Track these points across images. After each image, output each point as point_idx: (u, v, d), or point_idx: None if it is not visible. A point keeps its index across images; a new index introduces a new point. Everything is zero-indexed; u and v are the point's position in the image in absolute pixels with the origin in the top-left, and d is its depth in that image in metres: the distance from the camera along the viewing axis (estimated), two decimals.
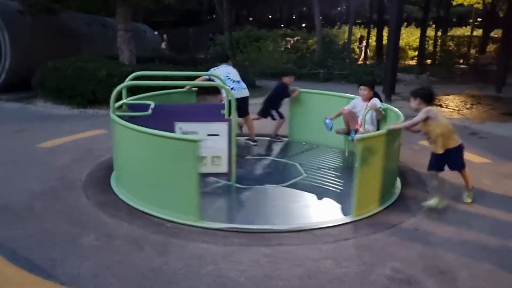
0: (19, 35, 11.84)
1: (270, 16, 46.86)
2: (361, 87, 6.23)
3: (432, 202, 4.75)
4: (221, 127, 5.20)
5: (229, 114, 6.57)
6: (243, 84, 6.93)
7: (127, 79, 5.73)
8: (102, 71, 10.18)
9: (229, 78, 6.75)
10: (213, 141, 5.18)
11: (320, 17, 20.40)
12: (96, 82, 10.12)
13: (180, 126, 5.25)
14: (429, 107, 4.72)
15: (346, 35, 21.61)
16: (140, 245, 3.86)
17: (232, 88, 6.59)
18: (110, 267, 3.51)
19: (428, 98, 4.78)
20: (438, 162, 4.85)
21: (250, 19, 42.64)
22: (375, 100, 6.08)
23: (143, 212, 4.50)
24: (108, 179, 5.44)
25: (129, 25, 12.15)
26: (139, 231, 4.13)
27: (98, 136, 7.58)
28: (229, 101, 5.39)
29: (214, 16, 35.46)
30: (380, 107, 5.95)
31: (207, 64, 13.16)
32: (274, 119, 7.55)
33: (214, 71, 6.85)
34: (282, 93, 7.40)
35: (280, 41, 21.57)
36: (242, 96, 6.75)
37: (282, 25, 34.77)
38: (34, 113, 9.81)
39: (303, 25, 35.89)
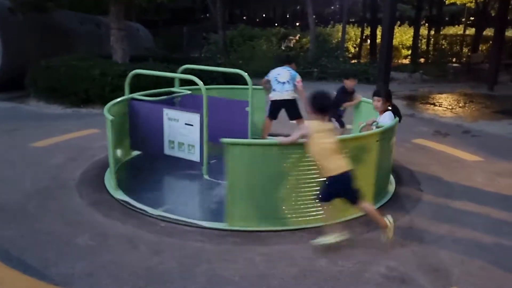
0: (11, 34, 11.73)
1: (263, 15, 46.85)
2: (375, 97, 5.17)
3: (327, 238, 3.87)
4: (193, 118, 5.36)
5: (274, 116, 6.85)
6: (287, 86, 6.49)
7: (179, 70, 6.59)
8: (95, 70, 10.12)
9: (276, 79, 6.59)
10: (189, 130, 5.43)
11: (314, 16, 20.40)
12: (90, 81, 10.06)
13: (166, 112, 5.56)
14: (307, 124, 3.78)
15: (340, 34, 21.64)
16: (134, 245, 3.85)
17: (273, 89, 6.53)
18: (105, 266, 3.50)
19: (320, 109, 3.77)
20: (323, 189, 3.89)
21: (244, 18, 42.59)
22: (386, 115, 5.06)
23: (137, 211, 4.50)
24: (102, 179, 5.42)
25: (122, 23, 12.08)
26: (134, 230, 4.12)
27: (92, 135, 7.54)
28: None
29: (207, 15, 35.39)
30: (376, 122, 5.02)
31: (201, 63, 13.14)
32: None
33: (271, 71, 6.74)
34: (339, 97, 6.54)
35: (276, 40, 21.44)
36: (282, 98, 6.53)
37: (276, 24, 34.77)
38: (27, 112, 9.74)
39: (297, 24, 35.91)
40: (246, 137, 6.35)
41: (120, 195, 4.87)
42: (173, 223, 4.26)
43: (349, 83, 6.58)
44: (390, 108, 5.15)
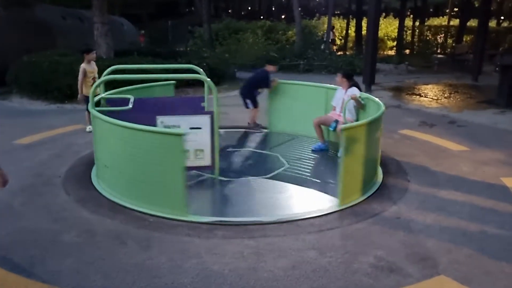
0: None
1: (249, 8, 46.63)
2: (337, 73, 6.47)
3: None
4: (203, 120, 5.14)
5: None
6: None
7: (104, 73, 5.70)
8: (79, 65, 9.98)
9: None
10: (195, 135, 5.12)
11: (299, 8, 20.37)
12: (73, 76, 9.87)
13: (161, 120, 5.17)
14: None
15: (326, 26, 21.62)
16: (122, 240, 3.82)
17: None
18: (93, 263, 3.46)
19: None
20: None
21: (229, 11, 42.35)
22: (353, 90, 6.08)
23: (124, 207, 4.46)
24: (88, 175, 5.36)
25: (105, 17, 11.94)
26: (122, 226, 4.09)
27: (77, 131, 7.46)
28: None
29: (192, 8, 35.12)
30: (359, 97, 5.93)
31: (187, 57, 13.05)
32: (247, 107, 7.44)
33: None
34: (262, 81, 7.25)
35: (262, 33, 21.29)
36: None
37: (261, 17, 34.65)
38: (10, 109, 9.59)
39: (282, 16, 35.83)
40: None
41: (203, 218, 4.25)
42: (161, 218, 4.24)
43: (271, 68, 7.27)
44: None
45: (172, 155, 4.20)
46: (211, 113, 5.15)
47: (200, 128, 5.15)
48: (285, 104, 7.29)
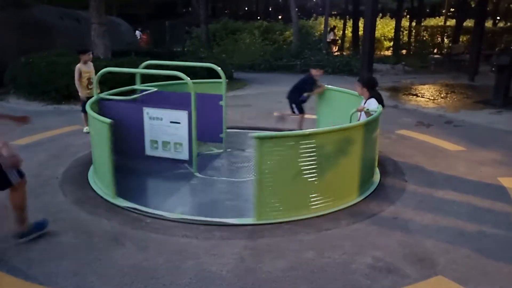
0: None
1: (246, 8, 46.63)
2: (356, 83, 5.87)
3: None
4: (181, 115, 5.25)
5: None
6: None
7: (140, 66, 6.16)
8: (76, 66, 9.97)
9: None
10: (175, 128, 5.31)
11: (296, 9, 20.38)
12: (71, 76, 9.86)
13: (147, 111, 5.39)
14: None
15: (322, 26, 21.64)
16: (120, 242, 3.81)
17: None
18: (90, 264, 3.45)
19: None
20: None
21: (226, 11, 42.33)
22: (371, 102, 5.46)
23: (122, 208, 4.46)
24: (85, 176, 5.35)
25: (103, 18, 11.92)
26: (119, 227, 4.08)
27: (74, 132, 7.44)
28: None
29: (190, 9, 35.11)
30: (367, 109, 5.34)
31: (184, 57, 13.04)
32: (293, 112, 7.22)
33: None
34: (306, 84, 7.06)
35: (259, 33, 21.28)
36: None
37: (258, 17, 34.64)
38: (7, 109, 9.53)
39: (279, 17, 35.85)
40: (221, 131, 6.25)
41: (124, 203, 4.54)
42: (159, 219, 4.24)
43: (315, 72, 7.05)
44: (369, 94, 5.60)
45: (102, 140, 4.61)
46: (189, 110, 5.20)
47: (179, 122, 5.29)
48: (331, 110, 6.95)
